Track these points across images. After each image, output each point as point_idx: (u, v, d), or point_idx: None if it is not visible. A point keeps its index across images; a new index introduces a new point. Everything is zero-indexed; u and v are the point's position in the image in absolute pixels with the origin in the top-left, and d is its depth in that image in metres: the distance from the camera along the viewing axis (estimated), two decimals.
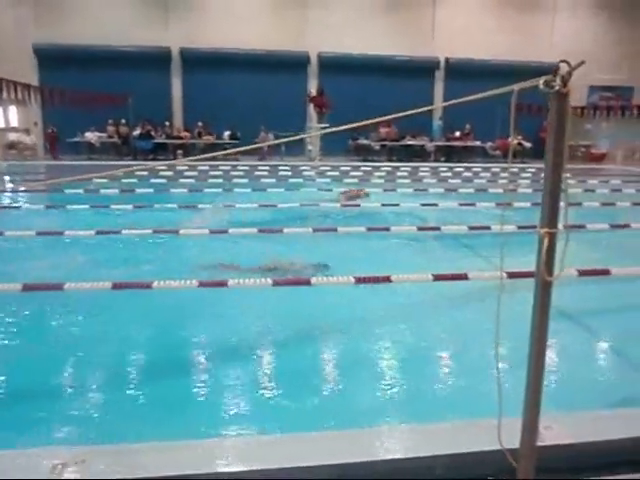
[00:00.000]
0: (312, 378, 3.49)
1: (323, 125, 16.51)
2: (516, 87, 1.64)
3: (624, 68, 22.49)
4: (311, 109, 19.84)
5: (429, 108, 1.98)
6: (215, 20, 20.49)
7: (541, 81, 1.51)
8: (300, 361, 3.74)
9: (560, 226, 1.66)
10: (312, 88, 20.75)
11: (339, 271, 4.88)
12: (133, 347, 3.87)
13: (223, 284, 4.24)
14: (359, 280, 4.29)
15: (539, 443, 2.31)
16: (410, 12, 21.66)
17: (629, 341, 4.35)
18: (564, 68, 1.58)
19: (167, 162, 11.57)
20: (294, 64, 21.29)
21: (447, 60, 22.02)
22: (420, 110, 2.03)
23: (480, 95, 1.78)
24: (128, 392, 3.27)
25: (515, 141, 19.10)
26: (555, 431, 2.42)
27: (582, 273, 4.76)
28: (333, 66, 21.12)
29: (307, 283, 4.37)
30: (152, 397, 3.22)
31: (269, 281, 4.28)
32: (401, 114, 2.18)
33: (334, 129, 2.59)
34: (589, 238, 7.18)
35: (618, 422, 2.64)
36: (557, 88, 1.49)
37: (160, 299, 4.58)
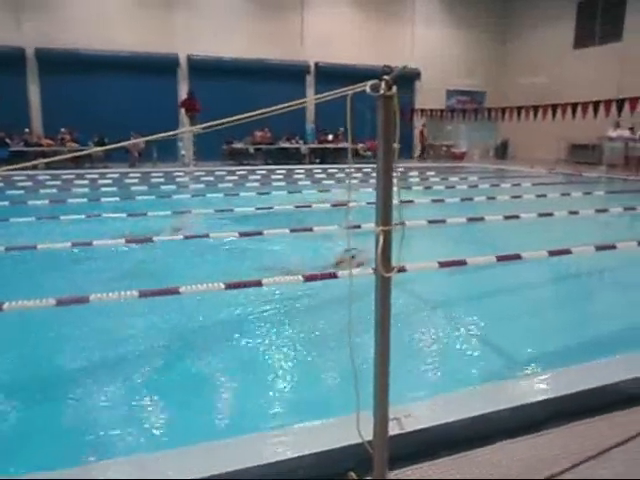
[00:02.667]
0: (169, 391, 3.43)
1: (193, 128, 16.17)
2: (350, 91, 1.70)
3: (477, 74, 24.52)
4: (183, 114, 19.33)
5: (285, 106, 1.98)
6: (75, 19, 19.19)
7: (368, 85, 1.57)
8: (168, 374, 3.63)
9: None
10: (183, 92, 20.24)
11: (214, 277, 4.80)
12: None
13: (84, 300, 3.97)
14: (229, 286, 4.24)
15: (398, 431, 2.42)
16: (279, 17, 21.88)
17: (485, 323, 4.72)
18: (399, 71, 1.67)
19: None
20: (163, 67, 20.61)
21: (317, 65, 22.53)
22: (278, 108, 2.01)
23: (319, 96, 1.82)
24: None
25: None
26: (413, 418, 2.54)
27: (442, 265, 5.09)
28: (204, 69, 20.73)
29: (176, 292, 4.23)
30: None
31: (135, 293, 4.08)
32: (260, 111, 2.15)
33: (199, 126, 2.52)
34: (450, 231, 7.70)
35: (472, 400, 2.83)
36: (382, 92, 1.55)
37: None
